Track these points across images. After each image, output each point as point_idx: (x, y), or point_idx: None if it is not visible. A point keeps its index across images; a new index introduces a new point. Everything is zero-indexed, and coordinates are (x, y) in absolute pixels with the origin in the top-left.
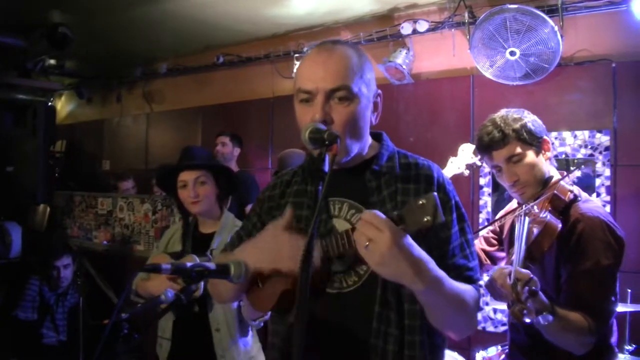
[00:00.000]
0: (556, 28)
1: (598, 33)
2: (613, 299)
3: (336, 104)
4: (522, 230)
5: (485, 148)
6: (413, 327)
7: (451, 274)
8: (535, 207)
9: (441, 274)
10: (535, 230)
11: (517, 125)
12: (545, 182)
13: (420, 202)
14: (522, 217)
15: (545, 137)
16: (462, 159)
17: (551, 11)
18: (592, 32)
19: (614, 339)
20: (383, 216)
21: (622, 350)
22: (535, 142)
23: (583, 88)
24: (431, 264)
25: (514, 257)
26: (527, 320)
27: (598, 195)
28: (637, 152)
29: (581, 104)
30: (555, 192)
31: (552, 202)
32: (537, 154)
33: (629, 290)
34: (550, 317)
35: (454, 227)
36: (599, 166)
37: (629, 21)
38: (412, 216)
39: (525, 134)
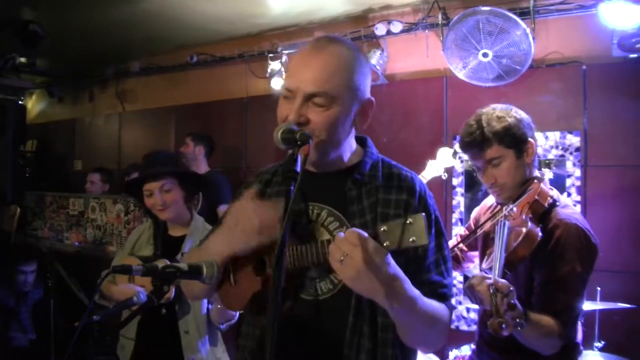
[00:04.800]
0: (528, 30)
1: (569, 36)
2: (581, 303)
3: (313, 107)
4: (502, 237)
5: (465, 147)
6: (386, 340)
7: (425, 289)
8: (514, 208)
9: (415, 293)
10: (516, 239)
11: (499, 127)
12: (524, 183)
13: (408, 220)
14: (503, 221)
15: (530, 139)
16: (440, 163)
17: (523, 14)
18: (563, 35)
19: (579, 337)
20: (364, 233)
21: (591, 347)
22: (517, 145)
23: (554, 90)
24: (406, 283)
25: (492, 264)
26: (505, 333)
27: (569, 195)
28: (606, 152)
29: (552, 106)
30: (536, 197)
31: (532, 207)
32: (519, 157)
33: (598, 289)
34: (523, 324)
35: (431, 242)
36: (569, 166)
37: (599, 24)
38: (397, 234)
39: (507, 136)
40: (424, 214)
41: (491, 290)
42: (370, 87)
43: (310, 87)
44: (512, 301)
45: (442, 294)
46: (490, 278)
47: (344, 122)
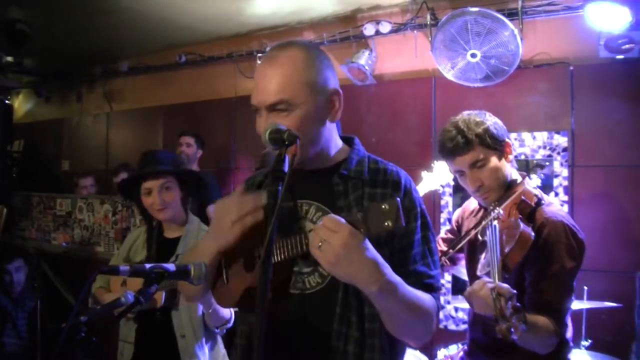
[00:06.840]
0: (516, 31)
1: (556, 37)
2: (573, 298)
3: (278, 114)
4: (495, 240)
5: (448, 153)
6: (373, 330)
7: (411, 280)
8: (501, 210)
9: (397, 279)
10: (509, 241)
11: (480, 130)
12: (508, 185)
13: (383, 206)
14: (492, 224)
15: (507, 140)
16: (437, 176)
17: (511, 15)
18: (551, 35)
19: (569, 334)
20: (342, 219)
21: (578, 346)
22: (498, 146)
23: (542, 90)
24: (386, 268)
25: (488, 269)
26: (515, 337)
27: (556, 195)
28: (593, 152)
29: (540, 106)
30: (522, 197)
31: (519, 207)
32: (500, 158)
33: (585, 288)
34: (523, 327)
35: (417, 234)
36: (557, 167)
37: (586, 26)
38: (373, 220)
39: (488, 138)
40: (398, 198)
41: (493, 295)
42: (336, 78)
43: (268, 98)
44: (517, 304)
45: (428, 284)
46: (490, 282)
47: (313, 118)
